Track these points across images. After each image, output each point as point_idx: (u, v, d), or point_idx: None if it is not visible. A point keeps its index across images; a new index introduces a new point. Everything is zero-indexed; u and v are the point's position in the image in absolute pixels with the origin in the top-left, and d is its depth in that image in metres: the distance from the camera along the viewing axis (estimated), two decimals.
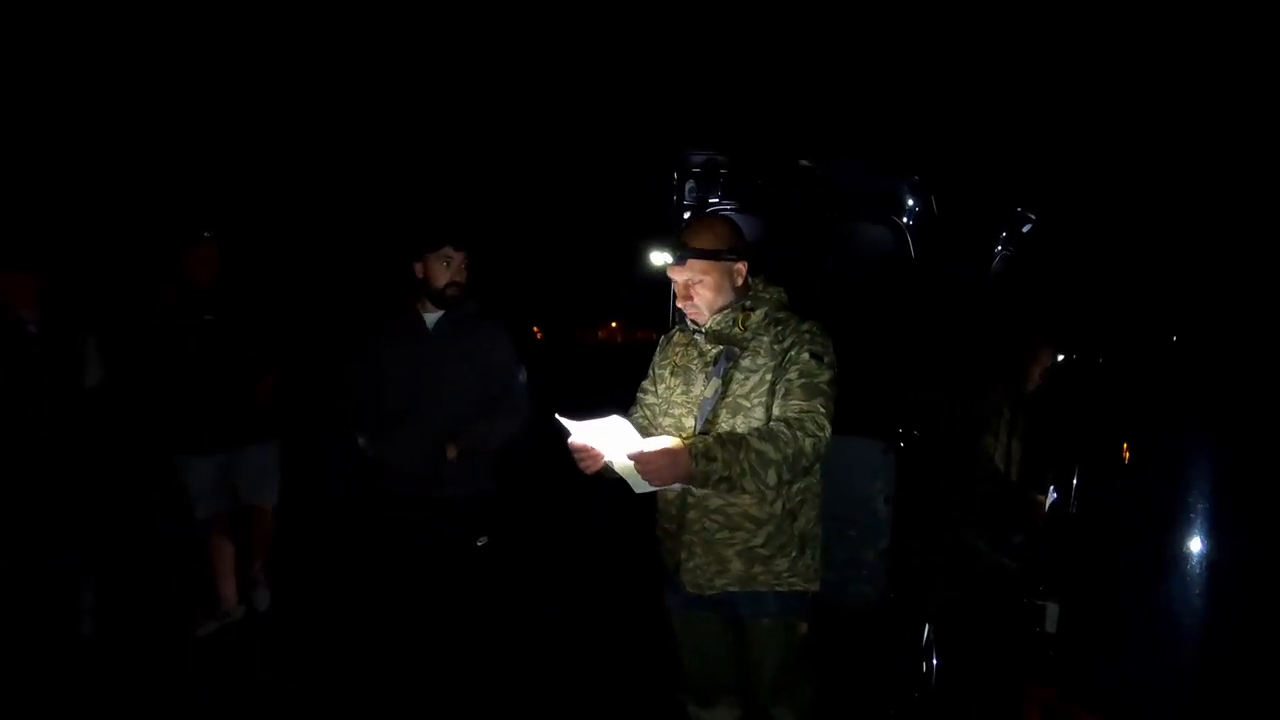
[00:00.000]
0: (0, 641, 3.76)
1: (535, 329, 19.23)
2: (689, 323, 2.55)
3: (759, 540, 2.43)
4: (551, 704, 3.84)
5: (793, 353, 2.42)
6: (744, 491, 2.32)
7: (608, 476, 2.41)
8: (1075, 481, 1.68)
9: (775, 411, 2.38)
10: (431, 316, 3.57)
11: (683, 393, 2.52)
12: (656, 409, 2.60)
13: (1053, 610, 1.63)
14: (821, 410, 2.34)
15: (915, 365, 3.44)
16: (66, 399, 3.86)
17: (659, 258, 2.50)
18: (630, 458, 2.26)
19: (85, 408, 3.94)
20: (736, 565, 2.45)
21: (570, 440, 2.35)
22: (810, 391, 2.35)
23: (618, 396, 2.91)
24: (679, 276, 2.49)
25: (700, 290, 2.47)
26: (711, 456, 2.22)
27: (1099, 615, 1.62)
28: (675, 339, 2.65)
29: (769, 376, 2.41)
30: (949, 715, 2.19)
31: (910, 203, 3.36)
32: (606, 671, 4.14)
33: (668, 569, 2.59)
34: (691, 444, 2.23)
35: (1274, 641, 1.55)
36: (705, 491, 2.39)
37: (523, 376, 3.65)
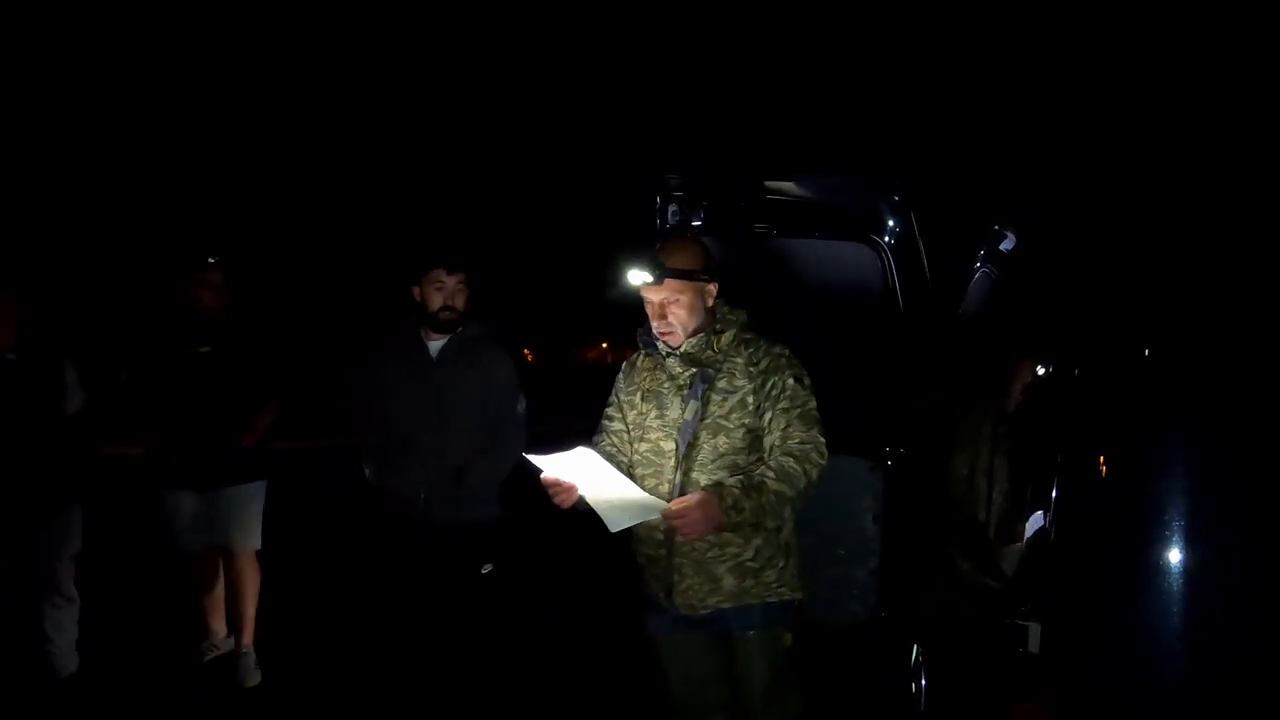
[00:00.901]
0: None
1: (526, 352, 19.23)
2: (658, 346, 2.56)
3: (749, 554, 2.45)
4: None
5: (776, 379, 2.46)
6: (764, 529, 2.40)
7: (580, 509, 2.41)
8: (1054, 499, 1.68)
9: (774, 441, 2.43)
10: (435, 344, 3.56)
11: (657, 417, 2.52)
12: (625, 435, 2.60)
13: (1035, 630, 1.63)
14: (821, 438, 2.44)
15: (900, 383, 3.45)
16: (48, 428, 3.81)
17: (636, 277, 2.51)
18: (665, 514, 2.32)
19: (67, 436, 3.88)
20: (729, 581, 2.46)
21: (542, 476, 2.38)
22: (808, 421, 2.44)
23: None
24: (655, 296, 2.50)
25: (675, 310, 2.49)
26: (740, 508, 2.30)
27: (1082, 634, 1.62)
28: (640, 364, 2.65)
29: (750, 398, 2.45)
30: None
31: (890, 222, 3.39)
32: (607, 679, 4.13)
33: (651, 594, 2.58)
34: (721, 497, 2.29)
35: (1256, 654, 1.55)
36: None
37: (522, 406, 3.64)
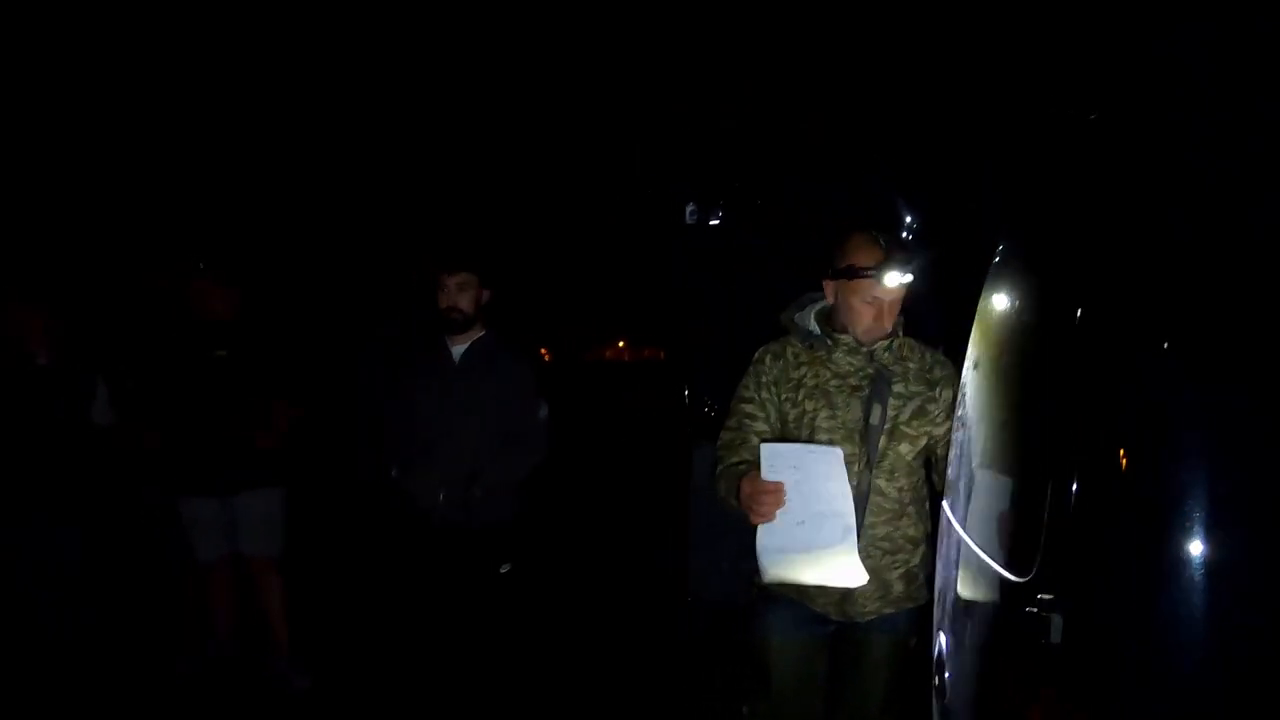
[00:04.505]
0: None
1: (543, 351, 19.23)
2: (838, 338, 2.42)
3: (916, 560, 2.51)
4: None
5: (949, 391, 2.45)
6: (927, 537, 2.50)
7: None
8: (1074, 483, 1.67)
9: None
10: (458, 348, 3.61)
11: (829, 417, 2.40)
12: (768, 436, 2.42)
13: (1058, 621, 1.63)
14: None
15: None
16: (70, 433, 3.85)
17: (898, 276, 2.35)
18: None
19: (90, 444, 3.92)
20: (898, 588, 2.50)
21: (761, 480, 2.16)
22: None
23: (634, 413, 2.92)
24: (898, 294, 2.42)
25: (893, 309, 2.44)
26: None
27: (1105, 625, 1.61)
28: (791, 358, 2.48)
29: (930, 406, 2.45)
30: None
31: (897, 218, 3.39)
32: (626, 678, 4.13)
33: (779, 594, 2.49)
34: None
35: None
36: (874, 519, 2.41)
37: (543, 412, 3.66)
